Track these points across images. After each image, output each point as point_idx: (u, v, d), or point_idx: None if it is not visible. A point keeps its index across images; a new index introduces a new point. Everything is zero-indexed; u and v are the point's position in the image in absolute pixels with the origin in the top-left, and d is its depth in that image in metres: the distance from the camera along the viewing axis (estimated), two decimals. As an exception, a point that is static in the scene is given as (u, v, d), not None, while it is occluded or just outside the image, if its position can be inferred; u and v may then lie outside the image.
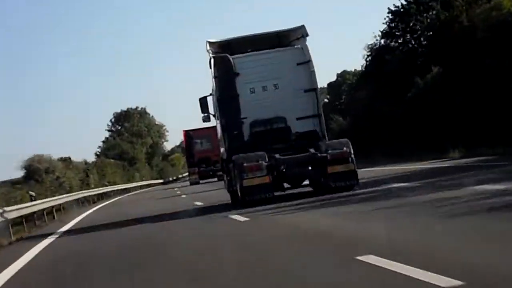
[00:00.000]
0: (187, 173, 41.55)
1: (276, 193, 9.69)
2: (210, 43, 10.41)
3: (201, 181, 31.99)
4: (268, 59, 10.48)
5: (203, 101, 11.18)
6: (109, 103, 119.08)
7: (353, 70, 43.50)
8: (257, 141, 10.13)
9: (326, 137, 10.40)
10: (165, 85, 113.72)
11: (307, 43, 10.36)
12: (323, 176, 9.55)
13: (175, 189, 29.64)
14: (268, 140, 10.06)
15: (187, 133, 33.79)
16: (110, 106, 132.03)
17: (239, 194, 9.68)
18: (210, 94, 11.17)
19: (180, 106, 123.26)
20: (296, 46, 10.62)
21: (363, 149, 21.16)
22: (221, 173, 32.62)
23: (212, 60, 10.28)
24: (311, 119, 10.37)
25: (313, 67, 10.29)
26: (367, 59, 29.75)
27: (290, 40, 10.79)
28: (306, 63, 10.36)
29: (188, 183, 35.09)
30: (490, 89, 18.80)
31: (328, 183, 9.57)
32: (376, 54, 28.35)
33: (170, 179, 56.15)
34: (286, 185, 10.22)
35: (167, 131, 71.74)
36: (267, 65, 10.40)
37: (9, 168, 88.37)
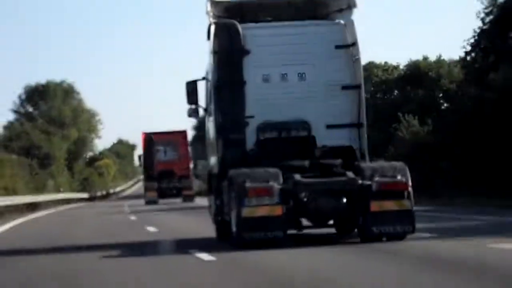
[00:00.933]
0: (120, 188, 34.41)
1: (288, 232, 6.51)
2: (213, 3, 7.18)
3: (160, 200, 25.30)
4: (294, 36, 7.26)
5: (191, 87, 7.76)
6: (23, 73, 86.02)
7: (382, 63, 34.43)
8: (266, 152, 6.98)
9: (367, 157, 7.14)
10: (105, 57, 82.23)
11: (353, 17, 7.10)
12: (363, 214, 6.38)
13: (125, 207, 22.57)
14: (282, 153, 6.91)
15: (148, 137, 26.05)
16: (23, 77, 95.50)
17: (234, 228, 6.53)
18: (203, 78, 7.88)
19: (126, 88, 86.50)
20: (336, 21, 7.33)
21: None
22: (189, 192, 24.60)
23: (213, 28, 7.06)
24: (347, 129, 7.15)
25: (358, 54, 7.06)
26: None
27: (329, 11, 7.51)
28: (349, 47, 7.13)
29: (142, 201, 26.82)
30: None
31: (368, 226, 6.39)
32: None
33: (98, 194, 42.94)
34: (304, 221, 6.94)
35: (101, 124, 51.50)
36: (291, 44, 7.19)
37: None
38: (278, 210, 6.22)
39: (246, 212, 6.19)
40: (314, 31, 7.29)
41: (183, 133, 27.21)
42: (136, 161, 46.83)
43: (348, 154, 6.99)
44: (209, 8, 7.08)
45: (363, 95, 7.06)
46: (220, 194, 7.23)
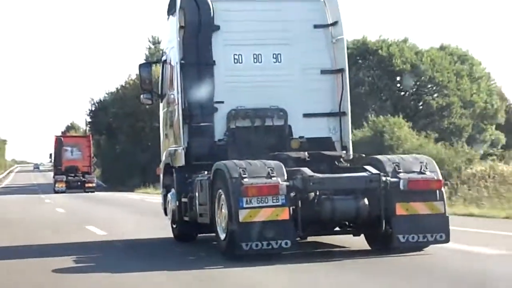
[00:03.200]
0: None
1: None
2: None
3: (67, 191, 29.59)
4: (269, 12, 6.53)
5: (146, 71, 6.97)
6: None
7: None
8: (237, 143, 6.20)
9: (351, 151, 6.50)
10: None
11: (336, -6, 6.45)
12: (386, 218, 5.19)
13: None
14: (255, 144, 6.15)
15: (58, 139, 32.85)
16: None
17: (222, 236, 5.38)
18: (160, 61, 7.06)
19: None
20: None
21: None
22: (90, 185, 30.22)
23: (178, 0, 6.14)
24: (326, 119, 6.49)
25: (341, 35, 6.40)
26: None
27: None
28: (328, 26, 6.47)
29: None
30: None
31: (393, 233, 5.14)
32: None
33: None
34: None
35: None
36: (266, 21, 6.44)
37: None
38: (284, 213, 5.06)
39: (244, 216, 4.98)
40: (290, 8, 6.57)
41: (87, 137, 34.34)
42: (6, 155, 58.78)
43: (326, 147, 6.34)
44: None
45: (347, 80, 6.41)
46: (185, 190, 6.35)
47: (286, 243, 4.98)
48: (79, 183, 30.16)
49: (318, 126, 6.46)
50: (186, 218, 6.39)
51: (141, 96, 7.17)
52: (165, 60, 6.96)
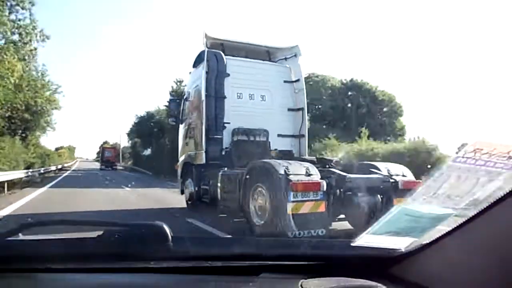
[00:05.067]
0: (68, 164, 57.60)
1: None
2: (208, 38, 9.55)
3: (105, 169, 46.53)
4: (259, 69, 9.99)
5: (172, 104, 11.25)
6: None
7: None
8: (237, 150, 9.37)
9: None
10: None
11: (299, 62, 10.27)
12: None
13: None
14: (249, 152, 9.37)
15: (102, 147, 59.55)
16: None
17: (259, 223, 6.29)
18: (183, 98, 10.50)
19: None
20: (284, 64, 10.41)
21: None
22: (116, 167, 49.77)
23: (206, 54, 9.37)
24: (290, 139, 10.09)
25: (301, 87, 10.17)
26: None
27: (278, 58, 10.54)
28: (293, 82, 10.22)
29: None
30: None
31: None
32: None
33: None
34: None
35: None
36: (256, 75, 9.88)
37: None
38: (322, 206, 5.89)
39: (291, 208, 5.70)
40: (269, 69, 10.14)
41: (115, 147, 59.78)
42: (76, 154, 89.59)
43: (289, 157, 9.91)
44: (205, 41, 9.40)
45: (305, 115, 10.14)
46: (202, 179, 9.22)
47: (322, 231, 5.78)
48: (110, 167, 48.13)
49: (285, 143, 9.99)
50: (205, 199, 9.03)
51: (169, 119, 10.21)
52: (186, 98, 10.18)
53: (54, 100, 29.72)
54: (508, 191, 0.95)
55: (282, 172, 5.93)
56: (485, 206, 1.01)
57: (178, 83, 35.86)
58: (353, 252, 1.36)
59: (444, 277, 1.12)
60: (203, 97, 9.21)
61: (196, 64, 9.95)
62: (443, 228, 1.17)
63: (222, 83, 9.43)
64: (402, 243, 1.28)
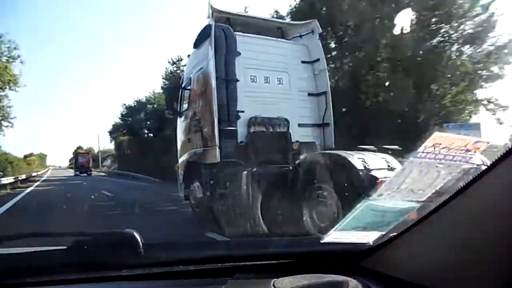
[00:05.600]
0: (40, 172, 49.57)
1: None
2: (214, 11, 7.91)
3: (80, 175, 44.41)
4: (273, 47, 8.47)
5: (169, 92, 8.86)
6: None
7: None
8: (254, 144, 7.79)
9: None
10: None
11: (318, 39, 8.80)
12: None
13: None
14: (267, 146, 7.81)
15: (75, 152, 58.56)
16: None
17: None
18: (180, 86, 8.76)
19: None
20: (300, 42, 8.91)
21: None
22: (90, 172, 47.00)
23: (213, 30, 7.72)
24: (311, 128, 8.58)
25: (322, 68, 8.70)
26: None
27: (292, 35, 9.02)
28: (311, 63, 8.74)
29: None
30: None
31: None
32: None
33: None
34: None
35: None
36: (271, 54, 8.36)
37: None
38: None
39: None
40: (286, 47, 8.66)
41: (88, 152, 56.20)
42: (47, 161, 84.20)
43: (311, 149, 8.39)
44: (210, 13, 7.76)
45: (329, 100, 8.64)
46: (216, 183, 7.47)
47: None
48: (85, 172, 45.86)
49: (306, 134, 8.49)
50: (222, 207, 7.02)
51: (166, 111, 8.49)
52: (185, 86, 8.49)
53: (9, 72, 20.81)
54: (467, 182, 1.00)
55: (360, 166, 4.69)
56: (446, 198, 1.07)
57: (176, 64, 30.14)
58: (323, 248, 1.37)
59: (412, 266, 1.17)
60: (213, 81, 7.58)
61: (198, 43, 8.29)
62: (409, 220, 1.20)
63: (233, 64, 7.82)
64: (370, 237, 1.31)
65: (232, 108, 7.70)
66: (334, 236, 1.28)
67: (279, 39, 8.74)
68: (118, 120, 41.94)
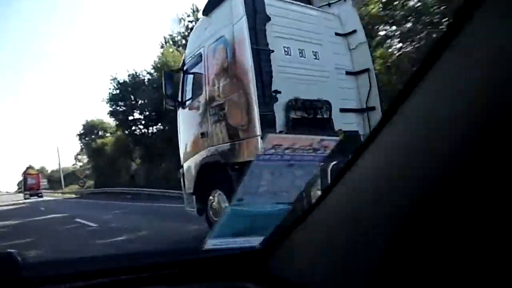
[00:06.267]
0: None
1: None
2: None
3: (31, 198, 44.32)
4: (304, 15, 6.78)
5: (168, 78, 7.01)
6: None
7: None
8: (296, 133, 5.96)
9: None
10: None
11: (353, 8, 7.24)
12: None
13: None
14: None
15: (25, 175, 50.07)
16: None
17: None
18: (182, 70, 7.14)
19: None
20: (330, 11, 7.30)
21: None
22: (40, 194, 46.76)
23: None
24: (354, 114, 6.95)
25: (361, 40, 7.13)
26: None
27: (319, 4, 7.38)
28: (346, 35, 7.15)
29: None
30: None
31: None
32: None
33: None
34: None
35: None
36: (302, 22, 6.66)
37: None
38: None
39: None
40: (318, 15, 7.02)
41: (38, 174, 50.94)
42: None
43: (354, 140, 6.73)
44: None
45: (374, 79, 7.02)
46: None
47: None
48: (36, 195, 45.03)
49: (349, 121, 6.84)
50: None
51: (165, 102, 6.56)
52: (187, 69, 6.78)
53: None
54: (333, 179, 0.95)
55: None
56: (318, 196, 1.04)
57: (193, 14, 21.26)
58: (208, 255, 1.27)
59: (298, 267, 1.13)
60: (247, 49, 5.72)
61: (211, 7, 6.39)
62: (289, 221, 1.15)
63: (263, 30, 6.03)
64: (253, 242, 1.25)
65: (266, 88, 5.87)
66: (213, 242, 1.19)
67: (308, 6, 7.06)
68: (90, 118, 32.91)
